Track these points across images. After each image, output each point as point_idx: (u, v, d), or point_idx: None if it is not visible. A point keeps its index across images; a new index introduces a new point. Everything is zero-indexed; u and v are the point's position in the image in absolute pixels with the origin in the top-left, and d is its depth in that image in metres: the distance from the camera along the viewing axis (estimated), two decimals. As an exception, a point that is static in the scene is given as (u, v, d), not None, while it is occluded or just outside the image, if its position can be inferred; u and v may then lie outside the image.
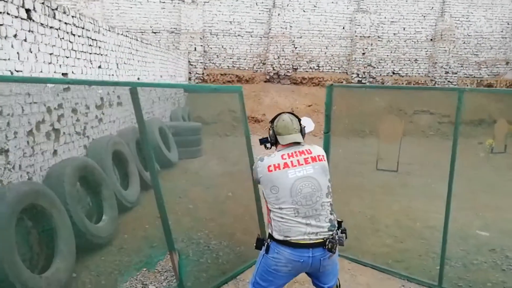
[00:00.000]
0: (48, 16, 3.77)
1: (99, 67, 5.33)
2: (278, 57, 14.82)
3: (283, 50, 14.81)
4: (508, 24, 15.59)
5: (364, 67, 15.08)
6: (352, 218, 4.91)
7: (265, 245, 2.18)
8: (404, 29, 15.36)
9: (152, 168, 2.82)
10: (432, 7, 15.22)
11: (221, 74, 14.67)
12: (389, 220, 4.84)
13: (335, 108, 3.85)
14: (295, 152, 2.18)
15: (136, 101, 2.46)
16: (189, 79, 14.33)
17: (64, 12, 4.13)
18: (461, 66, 15.54)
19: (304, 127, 2.33)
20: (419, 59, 15.49)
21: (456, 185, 3.25)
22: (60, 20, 4.05)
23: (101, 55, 5.37)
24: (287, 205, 2.10)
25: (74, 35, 4.42)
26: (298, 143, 2.23)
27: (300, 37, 15.16)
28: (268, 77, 14.96)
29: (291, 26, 14.89)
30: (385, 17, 15.23)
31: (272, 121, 2.34)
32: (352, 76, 15.14)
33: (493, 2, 15.34)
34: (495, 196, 6.02)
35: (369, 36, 14.98)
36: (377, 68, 15.31)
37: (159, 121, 7.46)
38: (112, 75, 5.90)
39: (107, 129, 5.56)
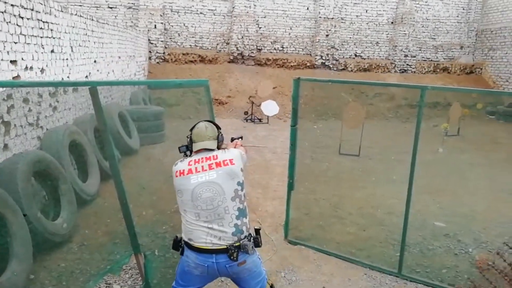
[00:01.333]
0: (-9, -3, 3.42)
1: (52, 51, 4.96)
2: (242, 37, 14.56)
3: (247, 30, 14.55)
4: (463, 9, 16.17)
5: (328, 49, 15.17)
6: (317, 207, 5.02)
7: (181, 247, 2.24)
8: (366, 11, 15.51)
9: (114, 166, 2.67)
10: (394, -10, 15.46)
11: (183, 54, 14.22)
12: (353, 207, 4.99)
13: (302, 101, 3.84)
14: (202, 158, 2.23)
15: (97, 101, 2.30)
16: (149, 58, 13.78)
17: (10, -8, 3.76)
18: (419, 50, 16.02)
19: (221, 134, 2.40)
20: (380, 42, 15.79)
21: (418, 170, 3.37)
22: (5, 2, 3.68)
23: (54, 38, 4.99)
24: (189, 209, 2.15)
25: (22, 18, 4.04)
26: (209, 150, 2.28)
27: (264, 17, 14.93)
28: (232, 57, 14.69)
29: (255, 5, 14.59)
30: (348, -1, 15.30)
31: (191, 130, 2.39)
32: (315, 58, 15.21)
33: (450, -13, 15.82)
34: (450, 180, 6.37)
35: (332, 18, 15.01)
36: (340, 50, 15.46)
37: (118, 106, 7.14)
38: (67, 59, 5.52)
39: (62, 117, 5.24)
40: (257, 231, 2.25)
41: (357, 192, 5.57)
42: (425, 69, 15.98)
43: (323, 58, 15.20)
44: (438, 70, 16.08)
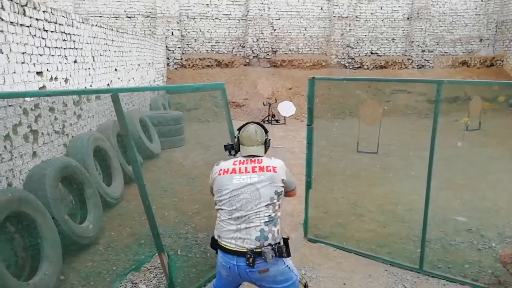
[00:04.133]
0: (18, 13, 3.61)
1: (75, 61, 5.16)
2: (257, 40, 14.66)
3: (261, 33, 14.64)
4: (481, 1, 15.80)
5: (343, 48, 15.09)
6: (336, 204, 5.04)
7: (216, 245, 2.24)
8: (381, 8, 15.36)
9: (137, 169, 2.79)
10: (409, -15, 15.25)
11: (200, 59, 14.43)
12: (372, 204, 4.99)
13: (317, 100, 3.88)
14: (247, 160, 2.26)
15: (119, 107, 2.42)
16: (168, 64, 14.05)
17: (35, 8, 3.95)
18: (437, 44, 15.74)
19: (269, 139, 2.40)
20: (396, 38, 15.59)
21: (435, 166, 3.36)
22: (31, 17, 3.87)
23: (76, 49, 5.20)
24: (225, 207, 2.18)
25: (46, 31, 4.24)
26: (254, 157, 2.29)
27: (279, 19, 14.99)
28: (247, 60, 14.80)
29: (269, 8, 14.68)
30: (362, -4, 15.19)
31: (239, 129, 2.40)
32: (331, 58, 15.15)
33: (467, -21, 15.50)
34: (471, 175, 6.26)
35: (347, 17, 14.94)
36: (356, 48, 15.35)
37: (139, 112, 7.35)
38: (89, 68, 5.73)
39: (86, 124, 5.44)
40: (285, 240, 2.20)
41: (376, 189, 5.55)
42: (443, 63, 15.68)
43: (339, 57, 15.13)
44: (457, 64, 15.75)
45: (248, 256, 2.04)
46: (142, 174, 2.80)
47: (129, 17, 14.08)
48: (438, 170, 3.38)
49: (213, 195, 2.31)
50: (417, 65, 15.51)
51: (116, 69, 7.20)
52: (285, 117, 11.58)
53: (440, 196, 4.63)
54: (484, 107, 10.31)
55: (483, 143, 8.63)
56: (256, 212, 2.11)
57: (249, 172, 2.18)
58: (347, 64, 15.18)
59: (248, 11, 14.52)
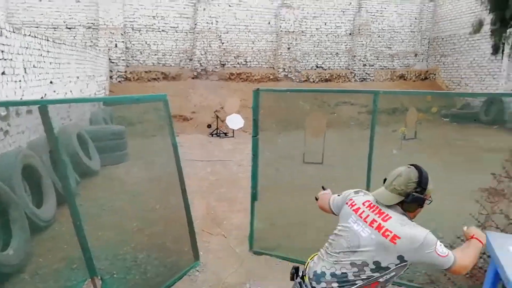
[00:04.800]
0: None
1: (3, 73, 4.78)
2: (205, 53, 14.62)
3: (209, 46, 14.63)
4: (415, 19, 17.03)
5: (290, 61, 15.49)
6: (282, 216, 5.03)
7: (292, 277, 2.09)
8: (325, 24, 16.02)
9: (68, 187, 2.58)
10: (350, 3, 16.07)
11: (146, 72, 14.09)
12: (317, 214, 5.03)
13: (262, 111, 3.89)
14: (377, 209, 1.86)
15: (47, 121, 2.23)
16: (111, 77, 13.54)
17: (-51, 14, 3.61)
18: (377, 59, 16.67)
19: (421, 197, 1.83)
20: (339, 53, 16.31)
21: (375, 175, 3.46)
22: None
23: (5, 60, 4.82)
24: (330, 235, 2.00)
25: (-35, 39, 3.89)
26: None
27: (227, 32, 15.09)
28: (195, 73, 14.69)
29: (217, 21, 14.74)
30: (308, 12, 15.74)
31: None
32: (278, 71, 15.47)
33: (402, -2, 16.67)
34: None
35: (293, 31, 15.39)
36: (302, 62, 15.82)
37: (76, 127, 6.94)
38: (20, 80, 5.34)
39: (15, 141, 5.03)
40: None
41: (321, 199, 5.63)
42: (383, 77, 16.61)
43: (286, 70, 15.49)
44: (395, 78, 16.76)
45: (293, 272, 2.05)
46: (74, 192, 2.61)
47: (69, 28, 13.45)
48: (378, 177, 3.48)
49: (331, 203, 2.25)
50: (359, 78, 16.29)
51: (51, 82, 6.78)
52: (233, 130, 11.56)
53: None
54: (419, 117, 11.02)
55: (419, 151, 9.16)
56: (342, 264, 1.83)
57: (366, 222, 1.83)
58: (293, 78, 15.57)
59: (195, 24, 14.48)
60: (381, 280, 1.78)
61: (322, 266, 1.90)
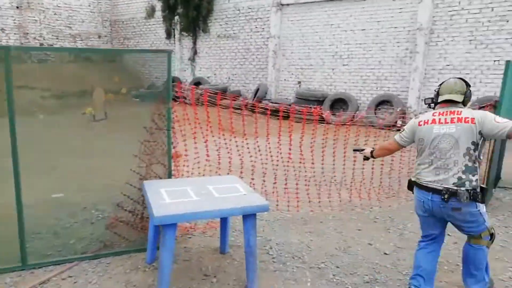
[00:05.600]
0: None
1: None
2: None
3: None
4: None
5: None
6: None
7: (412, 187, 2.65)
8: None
9: None
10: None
11: None
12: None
13: None
14: (446, 111, 2.51)
15: None
16: None
17: None
18: (57, 38, 15.31)
19: (470, 91, 2.59)
20: (7, 29, 13.83)
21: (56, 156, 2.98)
22: None
23: None
24: (425, 155, 2.54)
25: None
26: (453, 102, 2.53)
27: None
28: None
29: None
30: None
31: (440, 84, 2.64)
32: None
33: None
34: (96, 159, 6.36)
35: None
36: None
37: None
38: None
39: None
40: (482, 188, 2.45)
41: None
42: (66, 58, 15.48)
43: None
44: (80, 59, 16.00)
45: (444, 192, 2.40)
46: None
47: None
48: (67, 161, 3.02)
49: (399, 140, 2.76)
50: (36, 60, 14.48)
51: None
52: None
53: (38, 187, 4.28)
54: (107, 98, 10.98)
55: (111, 130, 9.14)
56: (454, 161, 2.42)
57: (448, 123, 2.46)
58: None
59: None
60: (480, 156, 2.46)
61: (451, 175, 2.42)
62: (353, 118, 10.16)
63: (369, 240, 3.71)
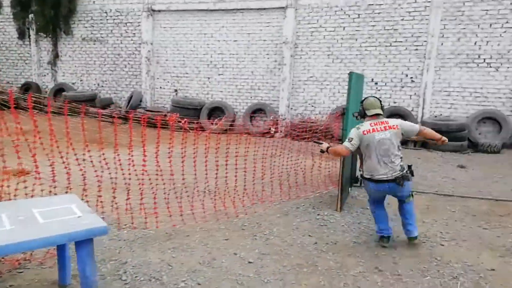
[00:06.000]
0: None
1: None
2: None
3: None
4: None
5: None
6: None
7: (360, 180, 4.51)
8: None
9: None
10: None
11: None
12: None
13: None
14: (378, 122, 3.69)
15: None
16: None
17: None
18: None
19: (383, 106, 3.91)
20: None
21: None
22: None
23: None
24: (373, 155, 3.63)
25: None
26: (378, 115, 3.76)
27: None
28: None
29: None
30: None
31: (361, 102, 3.88)
32: None
33: None
34: None
35: None
36: None
37: None
38: None
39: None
40: (409, 166, 3.75)
41: None
42: None
43: None
44: None
45: (398, 180, 3.57)
46: None
47: None
48: None
49: (350, 148, 3.72)
50: None
51: None
52: None
53: None
54: None
55: None
56: (394, 154, 3.62)
57: (382, 130, 3.63)
58: None
59: None
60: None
61: (396, 165, 3.63)
62: (232, 126, 10.29)
63: (234, 250, 3.61)
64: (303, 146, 7.18)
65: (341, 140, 4.90)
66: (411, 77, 9.79)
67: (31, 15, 13.11)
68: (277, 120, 10.62)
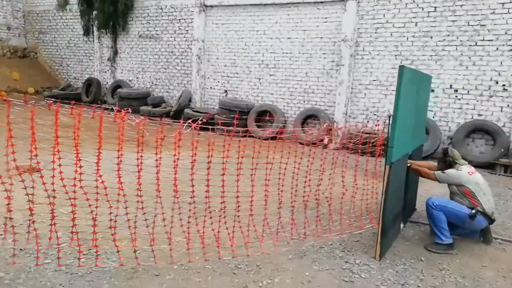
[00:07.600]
0: None
1: None
2: None
3: None
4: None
5: None
6: None
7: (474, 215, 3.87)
8: None
9: None
10: None
11: None
12: None
13: None
14: (469, 167, 4.09)
15: None
16: None
17: None
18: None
19: None
20: None
21: None
22: None
23: None
24: (480, 193, 3.93)
25: None
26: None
27: None
28: None
29: None
30: None
31: (445, 154, 4.16)
32: None
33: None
34: None
35: None
36: None
37: None
38: None
39: None
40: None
41: None
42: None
43: None
44: (-19, 52, 13.93)
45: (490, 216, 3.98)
46: None
47: None
48: None
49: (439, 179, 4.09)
50: None
51: None
52: None
53: None
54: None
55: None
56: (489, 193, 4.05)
57: (474, 173, 4.03)
58: None
59: None
60: None
61: (492, 201, 4.05)
62: (281, 133, 9.26)
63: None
64: (361, 161, 5.49)
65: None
66: (503, 84, 7.88)
67: (94, 12, 13.38)
68: (331, 129, 9.33)
